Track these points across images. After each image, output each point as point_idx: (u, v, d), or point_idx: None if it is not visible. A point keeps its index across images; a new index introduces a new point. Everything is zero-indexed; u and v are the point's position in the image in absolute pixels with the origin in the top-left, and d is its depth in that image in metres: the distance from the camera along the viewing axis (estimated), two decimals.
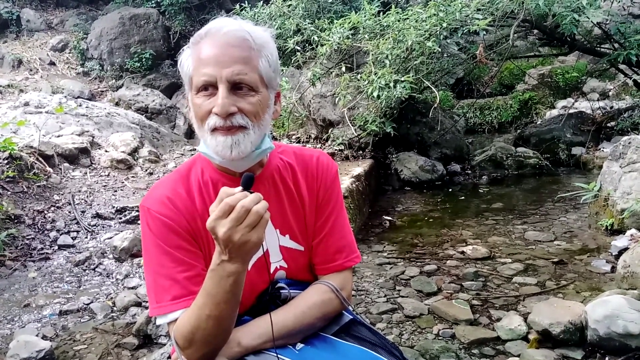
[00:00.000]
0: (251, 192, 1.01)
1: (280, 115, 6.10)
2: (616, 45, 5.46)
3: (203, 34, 1.15)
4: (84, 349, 2.46)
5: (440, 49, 4.97)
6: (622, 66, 5.86)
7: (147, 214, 1.21)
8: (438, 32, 4.70)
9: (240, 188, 1.01)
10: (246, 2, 6.31)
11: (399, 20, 4.95)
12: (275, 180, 1.30)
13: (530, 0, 4.44)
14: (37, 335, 2.51)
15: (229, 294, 1.06)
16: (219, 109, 1.10)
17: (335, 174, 1.38)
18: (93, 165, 5.17)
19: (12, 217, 3.69)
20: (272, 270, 1.30)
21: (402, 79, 4.54)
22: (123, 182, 4.86)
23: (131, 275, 3.24)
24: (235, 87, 1.11)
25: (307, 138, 6.11)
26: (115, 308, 2.84)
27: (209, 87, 1.12)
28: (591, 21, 4.92)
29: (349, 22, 5.09)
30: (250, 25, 1.17)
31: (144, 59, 9.60)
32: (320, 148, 5.66)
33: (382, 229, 4.19)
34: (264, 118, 1.16)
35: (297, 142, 6.11)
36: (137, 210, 4.01)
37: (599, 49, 5.94)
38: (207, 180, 1.25)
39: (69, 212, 4.05)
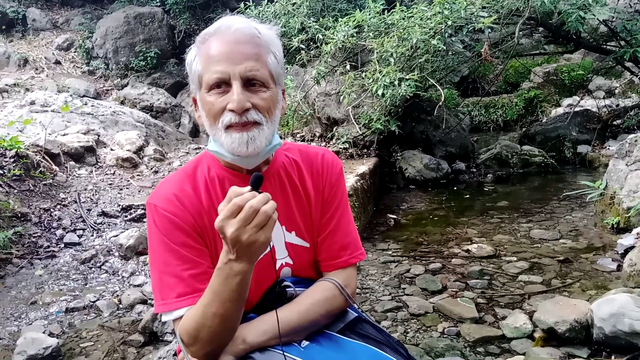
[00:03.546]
0: (260, 192, 1.02)
1: (285, 113, 6.10)
2: (622, 42, 5.43)
3: (212, 32, 1.15)
4: (90, 346, 2.47)
5: (445, 47, 4.96)
6: (628, 64, 5.84)
7: (154, 211, 1.21)
8: (443, 30, 4.68)
9: (249, 188, 1.02)
10: (251, 0, 6.30)
11: (403, 18, 4.94)
12: (281, 177, 1.30)
13: None
14: (44, 332, 2.53)
15: (235, 293, 1.06)
16: (234, 104, 1.10)
17: (340, 171, 1.39)
18: (99, 163, 5.19)
19: (19, 215, 3.71)
20: (277, 267, 1.30)
21: (407, 77, 4.53)
22: (128, 181, 4.88)
23: (137, 273, 3.25)
24: (248, 83, 1.12)
25: (311, 136, 6.11)
26: (121, 305, 2.86)
27: (221, 85, 1.13)
28: (597, 18, 4.88)
29: (354, 20, 5.08)
30: (256, 22, 1.18)
31: (148, 58, 9.63)
32: (325, 146, 5.65)
33: (387, 227, 4.18)
34: (275, 114, 1.18)
35: (301, 141, 6.11)
36: (143, 209, 4.03)
37: (604, 46, 5.91)
38: (214, 177, 1.25)
39: (75, 210, 4.07)
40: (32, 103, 6.36)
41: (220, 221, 1.00)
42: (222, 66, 1.11)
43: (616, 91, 7.95)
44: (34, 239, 3.58)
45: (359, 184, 4.25)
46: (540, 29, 6.00)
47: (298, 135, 6.26)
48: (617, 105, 6.97)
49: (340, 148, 5.37)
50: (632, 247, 3.02)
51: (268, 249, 1.16)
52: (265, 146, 1.16)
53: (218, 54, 1.12)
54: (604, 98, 7.41)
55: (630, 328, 2.05)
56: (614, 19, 5.78)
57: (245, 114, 1.12)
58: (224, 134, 1.14)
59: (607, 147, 5.80)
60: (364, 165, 4.82)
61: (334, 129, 5.63)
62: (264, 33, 1.16)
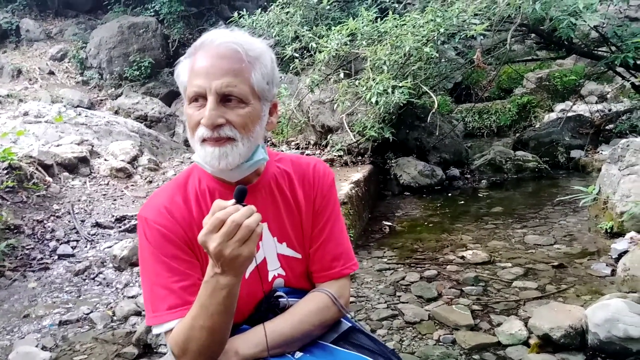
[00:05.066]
0: (244, 205, 1.01)
1: (279, 121, 6.10)
2: (613, 48, 5.48)
3: (198, 46, 1.16)
4: (84, 359, 2.45)
5: (437, 54, 4.98)
6: (619, 69, 5.87)
7: (145, 224, 1.22)
8: (435, 38, 4.71)
9: (233, 201, 1.02)
10: (244, 10, 6.33)
11: (396, 26, 4.96)
12: (272, 188, 1.30)
13: (527, 4, 4.45)
14: (36, 346, 2.50)
15: (222, 306, 1.06)
16: (205, 120, 1.11)
17: (331, 181, 1.39)
18: (92, 174, 5.17)
19: (12, 227, 3.68)
20: (270, 278, 1.30)
21: (400, 84, 4.55)
22: (122, 191, 4.86)
23: (131, 285, 3.23)
24: (225, 99, 1.12)
25: (306, 144, 6.12)
26: (115, 317, 2.84)
27: (199, 98, 1.14)
28: (588, 24, 4.94)
29: (347, 29, 5.10)
30: (246, 36, 1.18)
31: (142, 68, 9.63)
32: (320, 154, 5.66)
33: (382, 234, 4.18)
34: (254, 130, 1.17)
35: (296, 149, 6.12)
36: (137, 219, 4.01)
37: (596, 52, 5.96)
38: (204, 189, 1.26)
39: (69, 221, 4.05)
40: (26, 114, 6.34)
41: (203, 235, 1.00)
42: (200, 80, 1.12)
43: (608, 96, 8.02)
44: (27, 251, 3.55)
45: (353, 191, 4.25)
46: (532, 35, 6.05)
47: (293, 143, 6.27)
48: (610, 110, 7.02)
49: (335, 155, 5.38)
50: (625, 252, 3.03)
51: (255, 264, 1.16)
52: (239, 162, 1.16)
53: (199, 68, 1.13)
54: (596, 103, 7.47)
55: (625, 333, 2.06)
56: (604, 25, 5.84)
57: (218, 130, 1.12)
58: (199, 147, 1.15)
59: (600, 151, 5.82)
60: (359, 173, 4.82)
61: (329, 137, 5.64)
62: (251, 47, 1.15)
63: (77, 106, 7.94)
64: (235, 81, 1.12)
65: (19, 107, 6.93)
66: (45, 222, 3.94)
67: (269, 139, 6.39)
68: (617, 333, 2.07)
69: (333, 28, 5.33)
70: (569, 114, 6.58)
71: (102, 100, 9.49)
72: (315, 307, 1.27)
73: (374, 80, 4.65)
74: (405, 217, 4.64)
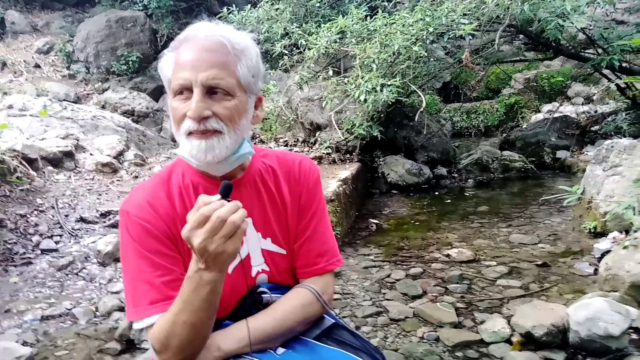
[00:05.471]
0: (229, 201, 1.01)
1: (268, 118, 6.07)
2: (600, 50, 5.54)
3: (182, 39, 1.16)
4: (66, 355, 2.42)
5: (426, 54, 5.00)
6: (605, 71, 5.95)
7: (127, 218, 1.20)
8: (424, 37, 4.73)
9: (218, 196, 1.01)
10: (234, 5, 6.29)
11: (385, 25, 4.97)
12: (257, 183, 1.29)
13: (516, 5, 4.48)
14: (17, 342, 2.46)
15: (206, 302, 1.05)
16: (192, 112, 1.10)
17: (317, 178, 1.38)
18: (77, 168, 5.11)
19: None
20: (254, 273, 1.30)
21: (389, 83, 4.56)
22: (108, 186, 4.81)
23: (114, 280, 3.20)
24: (211, 91, 1.12)
25: (294, 141, 6.11)
26: (98, 313, 2.81)
27: (184, 91, 1.13)
28: (575, 26, 4.98)
29: (337, 26, 5.10)
30: (230, 30, 1.17)
31: (130, 62, 9.52)
32: (308, 151, 5.65)
33: (369, 232, 4.19)
34: (240, 123, 1.16)
35: (284, 146, 6.11)
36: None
37: (583, 53, 6.02)
38: (188, 184, 1.25)
39: (53, 216, 4.00)
40: (10, 107, 6.24)
41: (187, 231, 0.99)
42: (186, 73, 1.11)
43: (594, 97, 8.10)
44: (9, 246, 3.50)
45: (341, 189, 4.25)
46: (521, 36, 6.09)
47: (281, 140, 6.25)
48: (595, 112, 7.10)
49: (323, 153, 5.38)
50: (608, 252, 3.07)
51: (240, 257, 1.15)
52: (225, 155, 1.15)
53: (184, 61, 1.12)
54: (582, 104, 7.55)
55: (605, 332, 2.09)
56: (591, 27, 5.90)
57: (204, 122, 1.11)
58: (185, 140, 1.14)
59: (585, 152, 5.89)
60: (347, 171, 4.82)
61: (317, 134, 5.64)
62: (236, 41, 1.15)
63: (63, 100, 7.84)
64: (222, 73, 1.11)
65: (3, 100, 6.81)
66: (28, 216, 3.88)
67: (257, 135, 6.36)
68: (598, 331, 2.10)
69: (323, 25, 5.32)
70: (556, 115, 6.65)
71: (88, 94, 9.37)
72: (299, 303, 1.27)
73: (362, 78, 4.65)
74: (392, 215, 4.65)
